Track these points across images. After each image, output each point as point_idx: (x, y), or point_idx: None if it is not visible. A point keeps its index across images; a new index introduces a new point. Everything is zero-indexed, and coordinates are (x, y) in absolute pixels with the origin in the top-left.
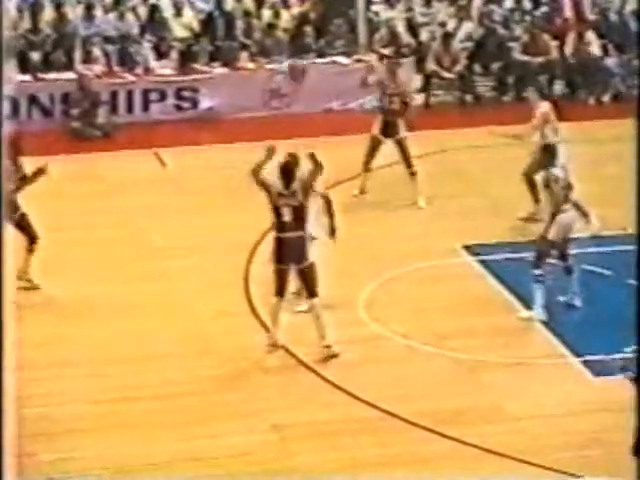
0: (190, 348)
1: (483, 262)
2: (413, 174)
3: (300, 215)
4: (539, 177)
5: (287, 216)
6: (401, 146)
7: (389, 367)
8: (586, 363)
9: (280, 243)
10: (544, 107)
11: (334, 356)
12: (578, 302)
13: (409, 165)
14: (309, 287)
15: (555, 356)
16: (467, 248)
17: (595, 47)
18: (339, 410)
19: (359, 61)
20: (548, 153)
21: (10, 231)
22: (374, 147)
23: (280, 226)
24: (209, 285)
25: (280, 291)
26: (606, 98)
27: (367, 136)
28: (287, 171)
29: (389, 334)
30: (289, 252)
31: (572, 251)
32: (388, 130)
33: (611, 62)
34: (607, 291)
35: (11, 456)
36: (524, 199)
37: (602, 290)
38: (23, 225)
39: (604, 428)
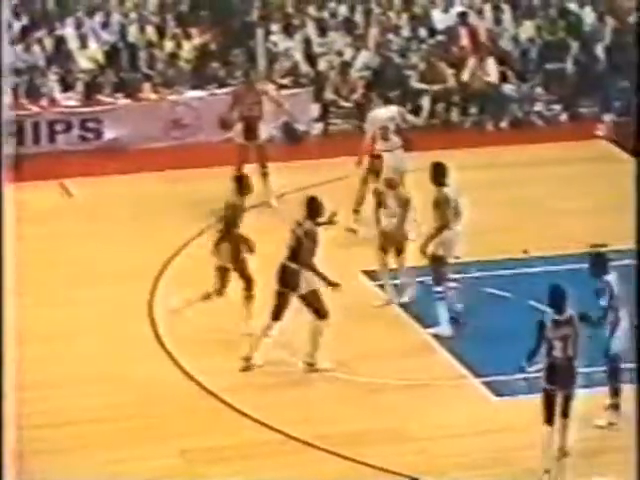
0: (96, 375)
1: (382, 286)
2: (265, 175)
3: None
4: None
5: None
6: (261, 150)
7: (292, 391)
8: (487, 384)
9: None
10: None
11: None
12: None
13: (263, 166)
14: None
15: (455, 377)
16: (367, 273)
17: (493, 74)
18: (244, 434)
19: None
20: (439, 173)
21: None
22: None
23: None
24: (115, 312)
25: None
26: (504, 124)
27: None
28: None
29: (291, 359)
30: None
31: (475, 274)
32: (250, 134)
33: (508, 88)
34: (507, 313)
35: None
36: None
37: (502, 312)
38: None
39: (505, 447)
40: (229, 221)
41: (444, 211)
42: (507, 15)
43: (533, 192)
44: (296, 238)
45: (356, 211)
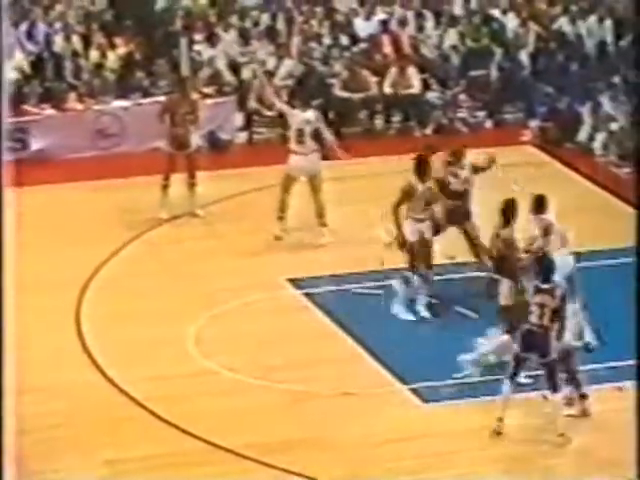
0: (21, 385)
1: (308, 295)
2: (193, 185)
3: None
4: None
5: None
6: (190, 159)
7: (218, 401)
8: (414, 391)
9: None
10: None
11: None
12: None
13: (192, 176)
14: None
15: (383, 385)
16: (292, 281)
17: (416, 82)
18: (170, 444)
19: None
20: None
21: None
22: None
23: None
24: (42, 322)
25: None
26: (428, 131)
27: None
28: None
29: (218, 368)
30: None
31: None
32: (180, 144)
33: (432, 96)
34: (433, 319)
35: None
36: (354, 230)
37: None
38: None
39: (435, 453)
40: None
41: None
42: (430, 22)
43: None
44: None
45: (280, 218)
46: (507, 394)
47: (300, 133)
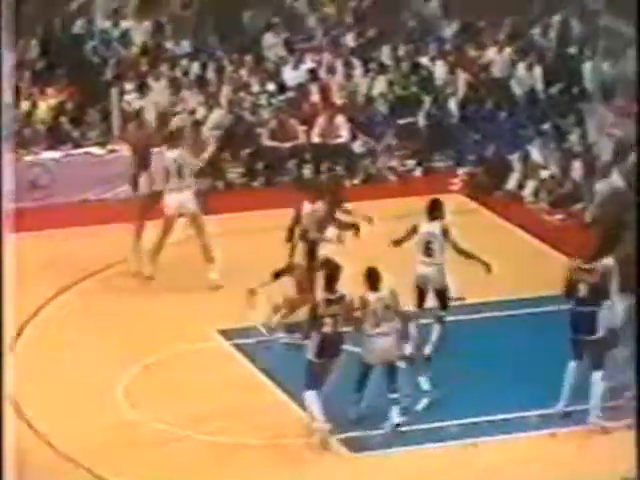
0: None
1: (238, 345)
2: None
3: None
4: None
5: None
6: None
7: (145, 452)
8: (343, 441)
9: None
10: None
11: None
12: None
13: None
14: None
15: (312, 435)
16: (222, 332)
17: (344, 130)
18: None
19: (112, 151)
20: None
21: None
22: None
23: None
24: None
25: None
26: (356, 181)
27: (123, 225)
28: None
29: (146, 419)
30: None
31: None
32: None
33: (360, 144)
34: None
35: None
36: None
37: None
38: None
39: None
40: None
41: None
42: (358, 70)
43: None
44: None
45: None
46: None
47: (167, 171)
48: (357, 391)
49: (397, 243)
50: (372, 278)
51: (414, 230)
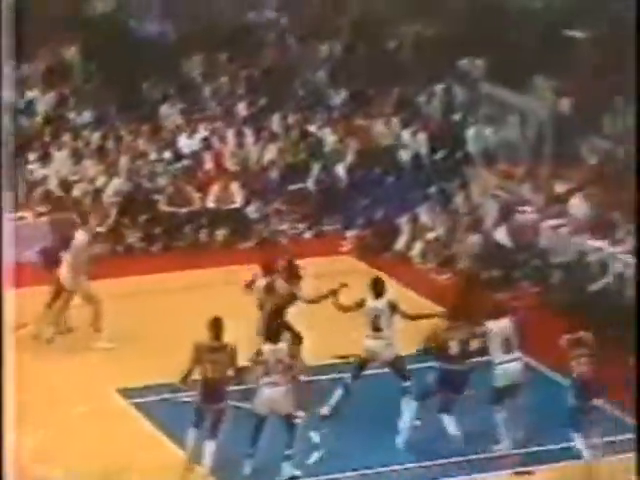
0: None
1: (137, 404)
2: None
3: None
4: None
5: None
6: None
7: None
8: None
9: None
10: None
11: None
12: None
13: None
14: None
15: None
16: (121, 391)
17: (238, 196)
18: None
19: (19, 219)
20: None
21: None
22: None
23: None
24: None
25: None
26: (250, 244)
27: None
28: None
29: (51, 476)
30: None
31: None
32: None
33: (252, 210)
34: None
35: None
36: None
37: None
38: None
39: None
40: None
41: None
42: (250, 139)
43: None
44: None
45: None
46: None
47: None
48: (251, 444)
49: (344, 309)
50: (270, 332)
51: (360, 304)
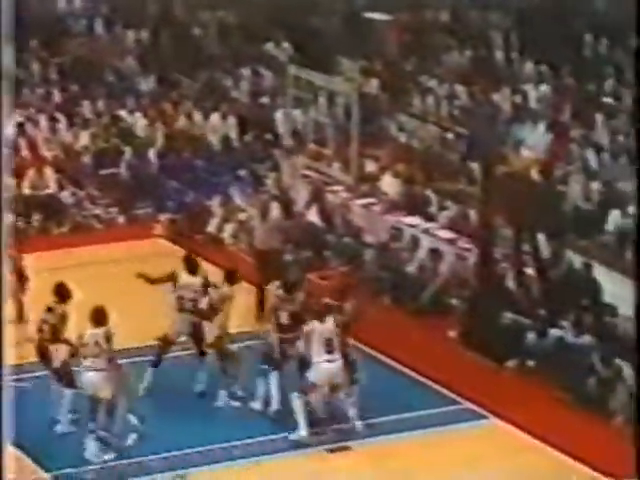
0: None
1: None
2: None
3: None
4: None
5: None
6: None
7: None
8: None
9: None
10: None
11: None
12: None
13: None
14: None
15: None
16: None
17: (51, 182)
18: None
19: None
20: None
21: None
22: None
23: None
24: None
25: None
26: (64, 229)
27: None
28: None
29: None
30: None
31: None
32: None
33: (66, 195)
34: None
35: None
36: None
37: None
38: None
39: None
40: None
41: None
42: (62, 124)
43: (103, 291)
44: None
45: None
46: None
47: None
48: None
49: (152, 281)
50: (93, 316)
51: (171, 277)
